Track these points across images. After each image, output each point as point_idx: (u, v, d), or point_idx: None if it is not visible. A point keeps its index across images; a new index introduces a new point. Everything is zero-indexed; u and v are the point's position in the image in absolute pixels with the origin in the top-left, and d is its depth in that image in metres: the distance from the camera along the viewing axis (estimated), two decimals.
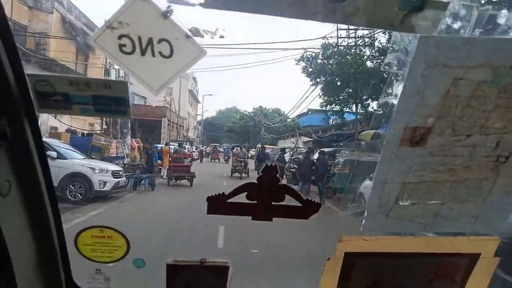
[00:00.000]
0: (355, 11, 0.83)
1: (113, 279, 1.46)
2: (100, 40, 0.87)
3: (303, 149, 26.48)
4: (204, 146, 55.40)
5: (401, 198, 1.27)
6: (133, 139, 25.03)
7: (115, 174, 13.82)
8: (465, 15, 0.89)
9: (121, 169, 14.90)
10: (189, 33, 0.87)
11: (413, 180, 1.23)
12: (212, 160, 44.39)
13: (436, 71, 0.96)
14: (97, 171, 13.27)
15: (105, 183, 13.23)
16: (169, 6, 0.84)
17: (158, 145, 24.79)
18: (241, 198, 1.24)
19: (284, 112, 73.60)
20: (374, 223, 1.34)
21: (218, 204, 1.24)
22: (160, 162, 21.17)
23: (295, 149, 29.39)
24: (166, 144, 24.28)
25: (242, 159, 25.17)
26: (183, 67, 0.91)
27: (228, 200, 1.24)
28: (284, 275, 5.75)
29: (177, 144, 24.35)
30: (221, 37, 0.85)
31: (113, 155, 20.41)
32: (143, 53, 0.89)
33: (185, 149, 26.72)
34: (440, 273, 1.52)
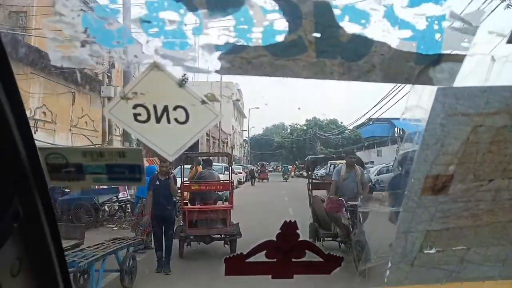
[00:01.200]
0: (371, 68, 0.82)
1: None
2: (115, 111, 0.86)
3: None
4: (255, 166, 46.02)
5: (426, 246, 1.23)
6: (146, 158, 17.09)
7: None
8: (481, 65, 0.88)
9: None
10: (205, 99, 0.86)
11: (436, 228, 1.19)
12: (260, 181, 38.11)
13: (455, 120, 0.94)
14: None
15: None
16: (185, 74, 0.83)
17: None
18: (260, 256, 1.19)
19: (341, 123, 63.90)
20: (398, 274, 1.28)
21: (236, 265, 1.19)
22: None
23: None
24: (192, 163, 11.84)
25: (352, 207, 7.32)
26: (199, 132, 0.90)
27: (247, 260, 1.19)
28: None
29: (199, 160, 11.34)
30: (237, 100, 0.84)
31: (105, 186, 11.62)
32: (158, 120, 0.87)
33: (220, 171, 16.79)
34: None
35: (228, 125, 48.77)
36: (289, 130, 72.68)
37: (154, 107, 0.86)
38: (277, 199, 20.02)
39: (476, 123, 0.96)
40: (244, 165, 46.21)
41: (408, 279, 1.30)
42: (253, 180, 35.57)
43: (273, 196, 22.74)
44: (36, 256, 0.95)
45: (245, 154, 70.81)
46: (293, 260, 1.21)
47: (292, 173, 49.30)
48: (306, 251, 1.21)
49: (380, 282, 1.29)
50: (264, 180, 38.68)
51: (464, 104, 0.91)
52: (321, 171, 42.05)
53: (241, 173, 32.68)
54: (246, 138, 72.75)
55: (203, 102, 0.86)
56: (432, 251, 1.24)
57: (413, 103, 0.91)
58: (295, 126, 70.48)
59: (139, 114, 0.86)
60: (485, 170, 1.07)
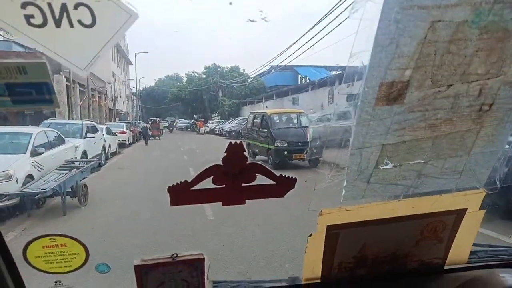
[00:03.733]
0: None
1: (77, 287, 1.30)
2: None
3: None
4: (147, 122, 39.09)
5: (381, 161, 1.17)
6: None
7: None
8: None
9: None
10: None
11: (392, 141, 1.12)
12: (152, 138, 32.84)
13: (410, 14, 0.83)
14: None
15: None
16: None
17: None
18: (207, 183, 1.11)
19: (244, 70, 55.16)
20: (354, 192, 1.23)
21: (181, 194, 1.10)
22: None
23: None
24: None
25: None
26: (112, 36, 0.75)
27: (193, 188, 1.10)
28: (264, 258, 5.37)
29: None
30: None
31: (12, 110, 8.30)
32: (58, 24, 0.71)
33: None
34: (427, 232, 1.46)
35: (105, 71, 36.01)
36: (185, 80, 61.27)
37: (49, 5, 0.69)
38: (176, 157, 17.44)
39: (434, 18, 0.85)
40: (131, 121, 37.04)
41: (364, 196, 1.25)
42: (147, 139, 29.99)
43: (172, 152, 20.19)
44: None
45: (134, 108, 61.14)
46: (243, 184, 1.13)
47: (202, 129, 43.87)
48: (257, 174, 1.12)
49: (336, 201, 1.24)
50: (156, 138, 34.03)
51: None
52: (226, 125, 36.30)
53: (125, 132, 24.07)
54: (134, 89, 62.01)
55: None
56: (389, 166, 1.19)
57: None
58: (192, 74, 59.74)
59: (32, 16, 0.70)
60: (443, 74, 0.98)
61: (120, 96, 47.25)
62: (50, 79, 0.78)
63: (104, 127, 17.12)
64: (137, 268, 1.22)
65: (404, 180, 1.25)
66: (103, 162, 14.21)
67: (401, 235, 1.44)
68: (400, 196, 1.31)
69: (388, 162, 1.17)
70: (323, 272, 1.45)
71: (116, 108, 43.28)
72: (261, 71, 44.60)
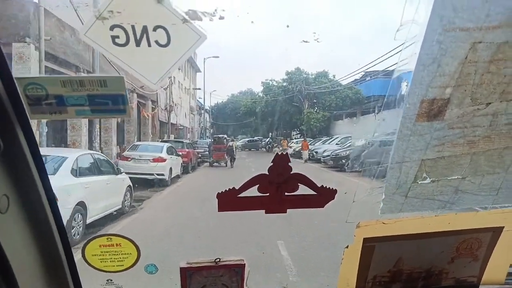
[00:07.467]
0: None
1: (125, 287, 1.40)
2: (91, 33, 0.80)
3: None
4: (227, 141, 27.40)
5: (420, 176, 1.21)
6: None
7: None
8: None
9: None
10: (187, 17, 0.80)
11: (431, 156, 1.17)
12: (217, 165, 23.20)
13: (452, 35, 0.89)
14: None
15: None
16: None
17: None
18: (253, 191, 1.18)
19: (334, 76, 40.50)
20: (392, 205, 1.28)
21: (229, 200, 1.18)
22: None
23: None
24: None
25: None
26: (182, 55, 0.84)
27: (239, 195, 1.18)
28: (301, 267, 5.50)
29: None
30: (221, 18, 0.78)
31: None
32: (138, 43, 0.82)
33: None
34: (462, 249, 1.47)
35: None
36: (261, 90, 46.69)
37: (133, 28, 0.80)
38: None
39: (475, 39, 0.91)
40: (184, 140, 25.98)
41: (402, 210, 1.29)
42: (232, 160, 22.90)
43: None
44: (24, 192, 0.92)
45: (201, 124, 51.95)
46: (286, 194, 1.20)
47: (289, 148, 29.38)
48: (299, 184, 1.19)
49: (374, 214, 1.29)
50: (221, 163, 23.21)
51: (463, 17, 0.86)
52: (323, 147, 24.01)
53: (163, 160, 15.08)
54: (200, 101, 50.34)
55: (185, 20, 0.80)
56: (427, 181, 1.23)
57: (408, 18, 0.85)
58: (270, 83, 44.36)
59: (117, 37, 0.81)
60: (482, 93, 1.03)
61: (177, 106, 34.61)
62: (126, 91, 0.88)
63: (75, 156, 8.02)
64: (182, 270, 1.30)
65: (442, 196, 1.29)
66: None
67: (437, 251, 1.46)
68: (437, 212, 1.34)
69: (427, 177, 1.21)
70: (357, 285, 1.48)
71: (175, 122, 33.27)
72: (352, 79, 35.14)
